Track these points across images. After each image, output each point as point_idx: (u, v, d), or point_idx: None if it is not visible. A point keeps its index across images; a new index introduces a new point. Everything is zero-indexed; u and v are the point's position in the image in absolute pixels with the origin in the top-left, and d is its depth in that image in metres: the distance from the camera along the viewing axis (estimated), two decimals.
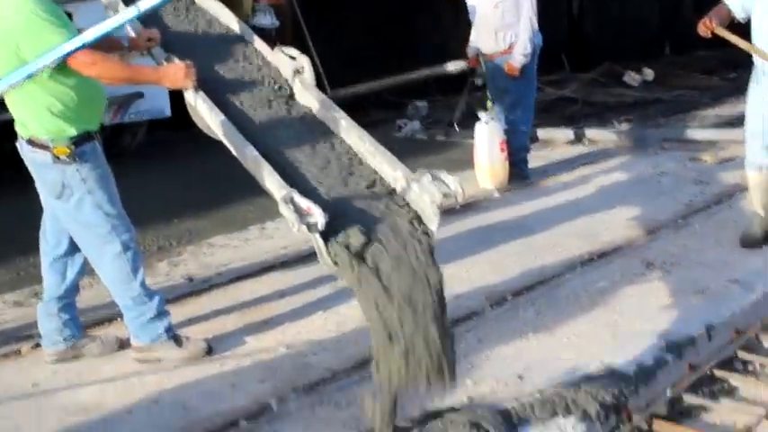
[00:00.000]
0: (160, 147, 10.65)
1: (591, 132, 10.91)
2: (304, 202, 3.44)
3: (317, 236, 3.46)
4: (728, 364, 5.12)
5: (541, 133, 10.69)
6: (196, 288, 5.95)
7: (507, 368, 4.75)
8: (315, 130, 4.32)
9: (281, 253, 6.55)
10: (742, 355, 5.20)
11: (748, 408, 4.68)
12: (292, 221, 3.40)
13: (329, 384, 4.61)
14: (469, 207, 7.56)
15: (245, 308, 5.59)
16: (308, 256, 6.22)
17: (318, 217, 3.39)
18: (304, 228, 3.41)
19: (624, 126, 11.69)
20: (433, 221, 3.62)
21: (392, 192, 3.82)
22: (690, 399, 4.74)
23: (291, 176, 3.75)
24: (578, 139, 10.73)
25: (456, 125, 11.21)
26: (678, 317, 5.36)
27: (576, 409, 4.38)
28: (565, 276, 6.05)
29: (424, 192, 3.64)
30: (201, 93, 4.30)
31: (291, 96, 4.57)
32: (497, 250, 6.51)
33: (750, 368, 5.15)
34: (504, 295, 5.71)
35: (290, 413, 4.33)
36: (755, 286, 5.84)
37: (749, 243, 6.41)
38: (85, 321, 5.26)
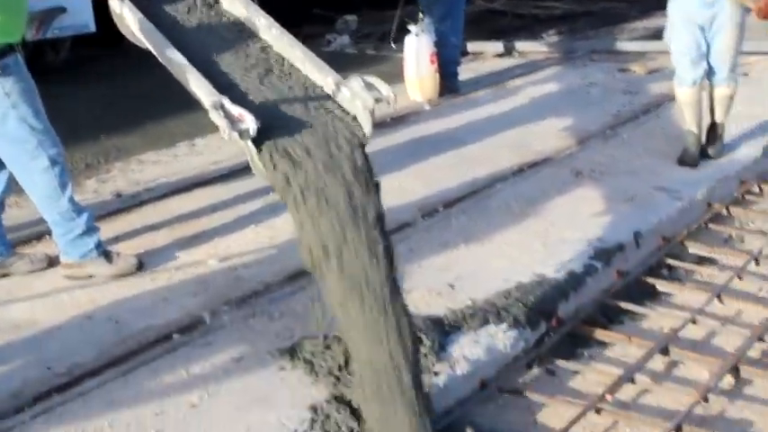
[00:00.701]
0: (85, 63, 10.42)
1: (520, 45, 10.93)
2: (235, 109, 3.38)
3: (249, 143, 3.41)
4: (656, 270, 5.21)
5: (471, 46, 10.66)
6: (125, 204, 5.89)
7: (439, 278, 4.78)
8: (244, 37, 4.24)
9: (212, 168, 6.50)
10: (669, 261, 5.29)
11: (675, 312, 4.78)
12: (223, 128, 3.34)
13: (262, 297, 4.61)
14: (400, 120, 7.54)
15: (176, 223, 5.55)
16: (239, 171, 6.19)
17: (250, 123, 3.34)
18: (235, 135, 3.36)
19: (553, 38, 11.71)
20: (366, 127, 3.59)
21: (323, 98, 3.78)
22: (619, 304, 4.82)
23: (221, 83, 3.69)
24: (508, 51, 10.73)
25: (392, 40, 11.11)
26: (607, 224, 5.44)
27: (506, 316, 4.44)
28: (495, 187, 6.09)
29: (356, 97, 3.61)
30: (127, 0, 4.20)
31: (219, 3, 4.48)
32: (428, 162, 6.52)
33: (676, 274, 5.25)
34: (436, 206, 5.73)
35: (223, 326, 4.32)
36: (682, 194, 5.94)
37: (688, 162, 6.45)
38: (13, 239, 5.18)
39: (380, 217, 3.45)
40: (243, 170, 6.12)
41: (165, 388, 3.83)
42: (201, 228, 5.44)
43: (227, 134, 3.34)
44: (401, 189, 5.91)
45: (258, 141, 3.40)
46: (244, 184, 5.98)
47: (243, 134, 3.37)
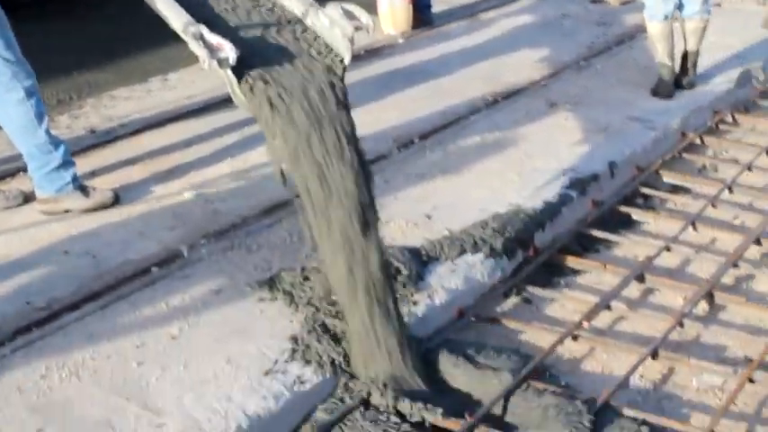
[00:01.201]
0: None
1: None
2: (214, 38, 3.35)
3: (229, 71, 3.40)
4: (630, 199, 5.25)
5: None
6: (99, 140, 5.83)
7: (416, 208, 4.80)
8: None
9: (185, 103, 6.44)
10: (643, 190, 5.32)
11: (650, 241, 4.82)
12: (203, 58, 3.32)
13: (239, 230, 4.61)
14: (374, 53, 7.49)
15: (151, 158, 5.51)
16: (213, 105, 6.15)
17: (229, 52, 3.32)
18: (215, 63, 3.33)
19: None
20: (345, 55, 3.58)
21: (302, 26, 3.75)
22: (594, 233, 4.85)
23: (198, 13, 3.65)
24: None
25: None
26: (581, 154, 5.46)
27: (484, 246, 4.46)
28: (470, 119, 6.09)
29: (334, 25, 3.58)
30: None
31: None
32: (403, 95, 6.49)
33: (651, 203, 5.29)
34: (411, 138, 5.72)
35: (201, 259, 4.32)
36: (656, 124, 5.97)
37: (662, 93, 6.45)
38: None
39: (356, 140, 3.49)
40: (217, 104, 6.11)
41: (145, 321, 3.83)
42: (176, 162, 5.40)
43: (206, 63, 3.32)
44: (376, 121, 5.88)
45: (238, 71, 3.39)
46: (218, 118, 5.95)
47: (222, 63, 3.35)
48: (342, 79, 3.49)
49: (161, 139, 5.77)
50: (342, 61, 3.53)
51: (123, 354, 3.61)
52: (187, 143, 5.68)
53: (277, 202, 4.79)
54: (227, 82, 3.46)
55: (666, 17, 6.34)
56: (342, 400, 3.49)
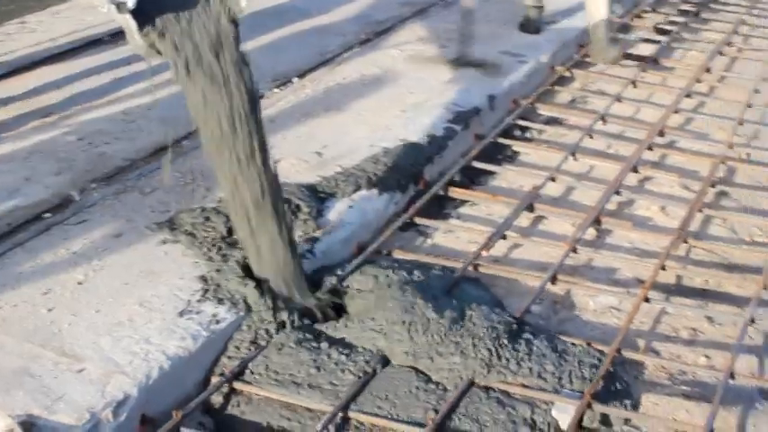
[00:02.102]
0: None
1: None
2: None
3: (128, 16, 3.32)
4: (510, 132, 5.38)
5: None
6: None
7: (305, 147, 4.81)
8: None
9: (50, 45, 6.23)
10: (522, 123, 5.47)
11: (533, 171, 4.97)
12: (101, 2, 3.24)
13: (129, 173, 4.54)
14: None
15: (23, 101, 5.32)
16: (81, 48, 5.98)
17: None
18: (113, 8, 3.26)
19: None
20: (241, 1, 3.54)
21: None
22: (479, 165, 4.97)
23: None
24: None
25: None
26: (461, 90, 5.56)
27: (377, 181, 4.51)
28: (345, 56, 6.10)
29: None
30: None
31: None
32: (276, 34, 6.45)
33: (530, 135, 5.44)
34: (289, 77, 5.70)
35: (94, 203, 4.24)
36: (528, 58, 6.11)
37: (530, 28, 6.61)
38: None
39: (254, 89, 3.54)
40: (83, 47, 5.94)
41: (47, 267, 3.75)
42: (51, 105, 5.24)
43: (105, 8, 3.25)
44: (252, 60, 5.80)
45: (136, 15, 3.32)
46: (86, 61, 5.79)
47: (121, 7, 3.28)
48: (237, 26, 3.48)
49: (31, 81, 5.58)
50: (239, 8, 3.51)
51: (30, 301, 3.53)
52: (59, 86, 5.51)
53: (163, 144, 4.72)
54: (124, 26, 3.38)
55: None
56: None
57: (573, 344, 3.53)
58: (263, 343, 3.50)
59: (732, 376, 3.41)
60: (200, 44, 3.40)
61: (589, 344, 3.53)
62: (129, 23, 3.32)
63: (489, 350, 3.41)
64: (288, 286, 3.66)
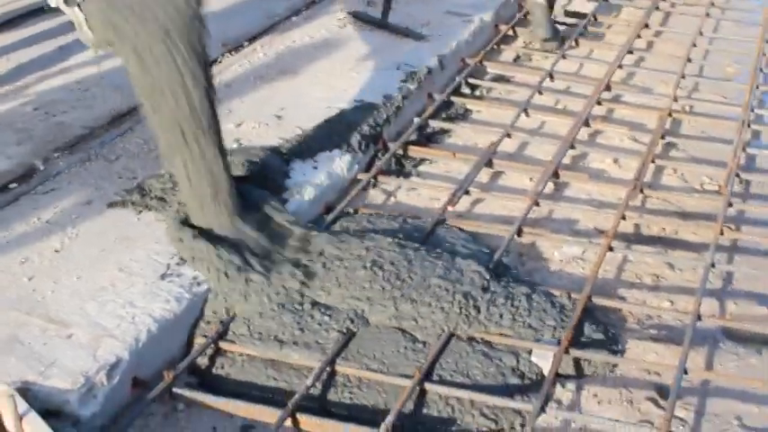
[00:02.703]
0: None
1: None
2: None
3: (77, 9, 3.32)
4: (461, 90, 5.47)
5: None
6: None
7: (263, 110, 4.85)
8: None
9: None
10: (471, 81, 5.56)
11: (488, 128, 5.08)
12: None
13: (91, 141, 4.54)
14: None
15: None
16: (22, 17, 5.91)
17: None
18: (62, 1, 3.27)
19: None
20: None
21: None
22: (434, 124, 5.06)
23: None
24: None
25: None
26: (410, 50, 5.64)
27: (339, 141, 4.58)
28: (293, 20, 6.14)
29: None
30: None
31: None
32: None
33: (478, 92, 5.54)
34: (240, 42, 5.72)
35: (60, 172, 4.24)
36: (473, 18, 6.19)
37: (543, 35, 6.19)
38: None
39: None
40: (25, 15, 5.87)
41: (21, 237, 3.76)
42: (2, 76, 5.19)
43: (53, 1, 3.26)
44: None
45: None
46: (30, 30, 5.73)
47: (68, 1, 3.28)
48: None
49: None
50: None
51: (9, 270, 3.54)
52: (6, 56, 5.45)
53: (120, 111, 4.75)
54: (73, 19, 3.38)
55: None
56: None
57: (549, 292, 3.63)
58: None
59: (699, 318, 3.54)
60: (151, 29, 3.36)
61: (569, 295, 3.63)
62: (77, 16, 3.31)
63: (468, 301, 3.51)
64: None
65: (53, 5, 3.27)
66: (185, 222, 3.70)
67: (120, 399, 3.14)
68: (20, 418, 2.79)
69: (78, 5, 3.26)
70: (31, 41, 5.63)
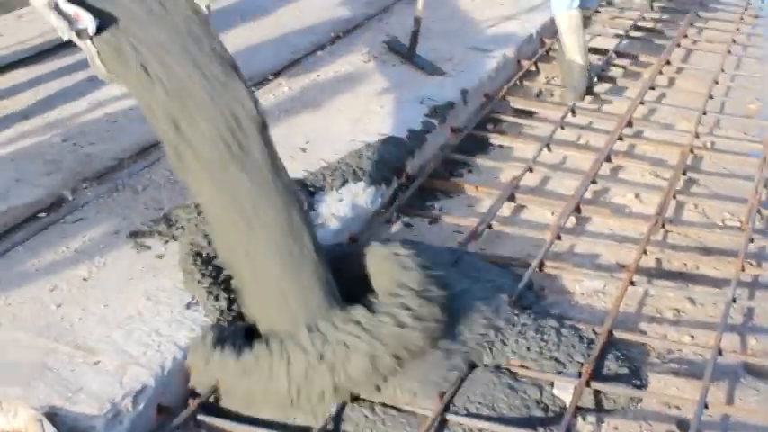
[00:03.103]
0: None
1: None
2: (70, 8, 3.28)
3: (89, 42, 3.34)
4: (484, 125, 5.53)
5: None
6: None
7: (288, 142, 4.89)
8: None
9: (18, 49, 6.23)
10: (494, 116, 5.62)
11: (510, 163, 5.13)
12: (62, 29, 3.24)
13: (118, 172, 4.60)
14: None
15: (1, 104, 5.34)
16: (51, 50, 6.00)
17: (88, 22, 3.25)
18: (74, 35, 3.29)
19: None
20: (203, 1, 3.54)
21: None
22: (457, 158, 5.11)
23: None
24: None
25: None
26: (434, 84, 5.71)
27: (362, 174, 4.63)
28: (318, 54, 6.21)
29: None
30: None
31: None
32: (244, 32, 6.51)
33: (503, 128, 5.60)
34: (265, 75, 5.80)
35: (88, 202, 4.30)
36: (494, 53, 6.26)
37: (576, 98, 5.88)
38: None
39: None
40: (54, 49, 5.96)
41: (49, 265, 3.81)
42: (31, 108, 5.27)
43: (65, 35, 3.27)
44: None
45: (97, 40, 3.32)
46: (59, 63, 5.82)
47: (81, 34, 3.30)
48: (208, 26, 3.47)
49: (4, 85, 5.60)
50: (208, 6, 3.50)
51: (38, 298, 3.59)
52: (34, 88, 5.54)
53: (147, 143, 4.80)
54: (86, 53, 3.40)
55: (570, 8, 5.84)
56: None
57: (570, 325, 3.66)
58: None
59: (720, 353, 3.56)
60: (171, 60, 3.35)
61: (594, 331, 3.66)
62: (90, 51, 3.34)
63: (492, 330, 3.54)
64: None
65: (65, 39, 3.30)
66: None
67: (146, 425, 3.17)
68: None
69: (90, 39, 3.29)
70: (60, 74, 5.71)
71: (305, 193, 4.39)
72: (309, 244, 3.47)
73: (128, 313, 3.53)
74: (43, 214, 4.22)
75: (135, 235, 4.05)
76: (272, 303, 3.48)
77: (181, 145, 3.36)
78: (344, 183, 4.56)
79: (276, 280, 3.44)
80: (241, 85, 3.47)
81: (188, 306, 3.60)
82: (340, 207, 4.39)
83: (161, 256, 3.90)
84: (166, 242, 3.99)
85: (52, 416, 3.00)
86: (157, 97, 3.35)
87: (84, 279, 3.74)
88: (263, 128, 3.48)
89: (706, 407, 3.28)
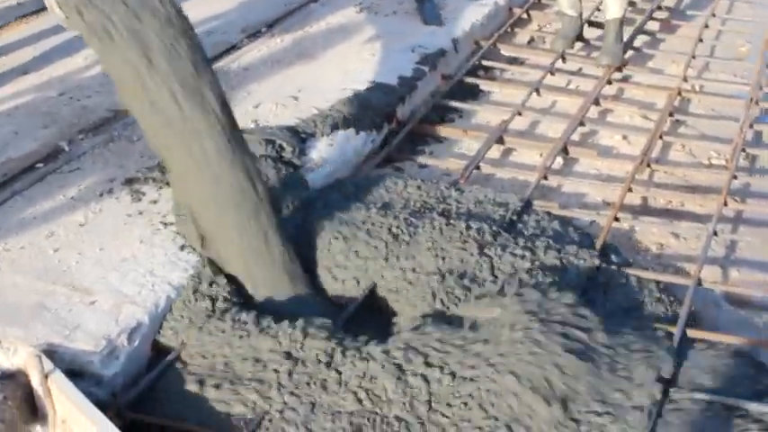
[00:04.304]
0: None
1: None
2: None
3: None
4: (475, 71, 5.60)
5: None
6: None
7: (281, 92, 4.98)
8: None
9: (10, 4, 6.30)
10: (485, 63, 5.68)
11: (500, 108, 5.20)
12: None
13: (114, 123, 4.68)
14: None
15: None
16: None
17: None
18: None
19: None
20: None
21: None
22: (448, 103, 5.19)
23: None
24: None
25: None
26: (425, 32, 5.75)
27: (353, 121, 4.71)
28: (310, 6, 6.26)
29: None
30: None
31: None
32: None
33: (494, 74, 5.66)
34: (259, 27, 5.86)
35: (85, 152, 4.39)
36: (487, 1, 6.30)
37: (566, 45, 5.86)
38: None
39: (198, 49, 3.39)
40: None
41: (47, 213, 3.90)
42: (27, 63, 5.36)
43: None
44: (222, 14, 5.99)
45: None
46: (53, 18, 5.84)
47: None
48: None
49: (1, 40, 5.68)
50: None
51: (36, 244, 3.69)
52: (30, 44, 5.62)
53: None
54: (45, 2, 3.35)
55: None
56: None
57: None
58: None
59: (699, 283, 3.66)
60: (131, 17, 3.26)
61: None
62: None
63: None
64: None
65: None
66: None
67: (141, 360, 3.27)
68: (45, 376, 2.93)
69: None
70: (56, 30, 5.76)
71: (296, 140, 4.46)
72: (261, 187, 3.52)
73: (123, 256, 3.63)
74: (41, 165, 4.30)
75: (130, 182, 4.12)
76: (225, 244, 3.56)
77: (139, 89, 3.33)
78: (335, 128, 4.63)
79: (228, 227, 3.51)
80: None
81: (182, 248, 3.69)
82: (330, 152, 4.46)
83: (155, 202, 3.98)
84: (160, 188, 4.07)
85: (51, 353, 3.10)
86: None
87: (81, 225, 3.83)
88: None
89: (685, 333, 3.36)
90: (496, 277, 3.53)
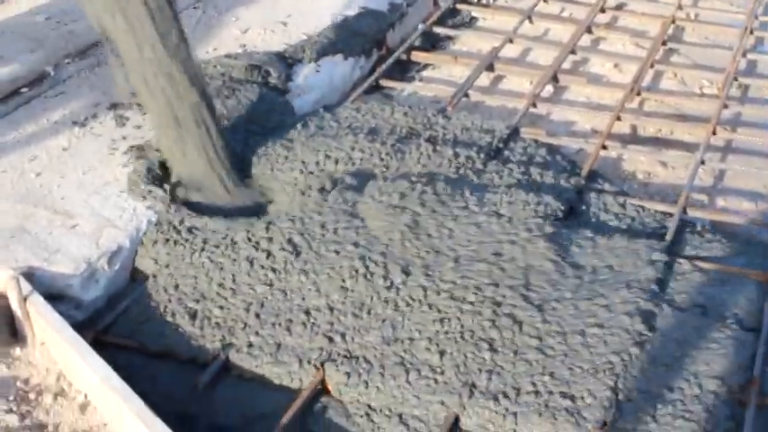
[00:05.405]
0: None
1: None
2: None
3: None
4: None
5: None
6: None
7: (270, 17, 4.92)
8: None
9: None
10: None
11: (491, 35, 5.14)
12: None
13: (100, 48, 4.62)
14: None
15: None
16: None
17: None
18: None
19: None
20: None
21: None
22: (439, 30, 5.13)
23: None
24: None
25: None
26: None
27: (341, 47, 4.66)
28: None
29: None
30: None
31: None
32: None
33: (484, 1, 5.58)
34: None
35: (70, 77, 4.36)
36: None
37: None
38: None
39: None
40: None
41: (30, 137, 3.89)
42: None
43: None
44: None
45: None
46: None
47: None
48: None
49: None
50: None
51: (18, 167, 3.68)
52: None
53: None
54: None
55: None
56: None
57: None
58: None
59: (684, 211, 3.64)
60: None
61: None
62: None
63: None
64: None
65: None
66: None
67: (121, 284, 3.27)
68: (24, 299, 2.94)
69: None
70: None
71: (283, 66, 4.42)
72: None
73: (105, 180, 3.61)
74: (25, 89, 4.26)
75: (115, 107, 4.09)
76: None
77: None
78: (323, 54, 4.59)
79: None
80: None
81: None
82: (317, 78, 4.43)
83: (139, 127, 3.95)
84: (145, 114, 4.03)
85: (30, 275, 3.10)
86: None
87: (64, 149, 3.82)
88: None
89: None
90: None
